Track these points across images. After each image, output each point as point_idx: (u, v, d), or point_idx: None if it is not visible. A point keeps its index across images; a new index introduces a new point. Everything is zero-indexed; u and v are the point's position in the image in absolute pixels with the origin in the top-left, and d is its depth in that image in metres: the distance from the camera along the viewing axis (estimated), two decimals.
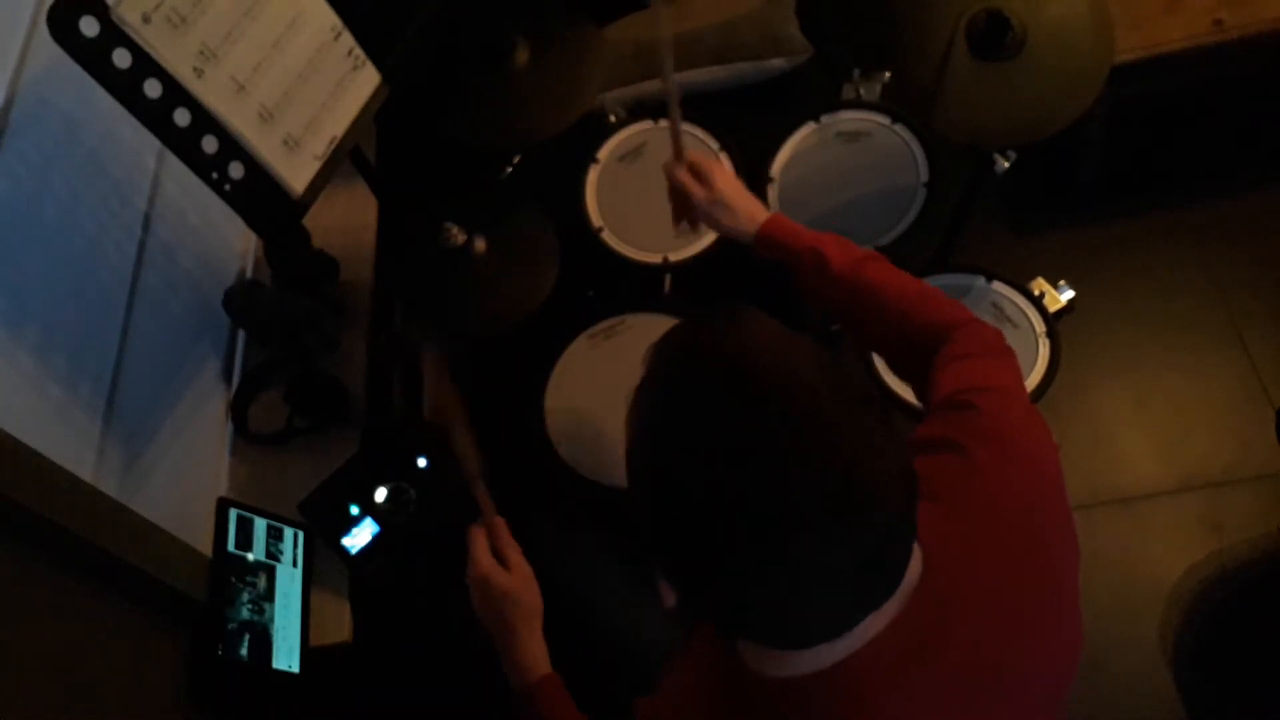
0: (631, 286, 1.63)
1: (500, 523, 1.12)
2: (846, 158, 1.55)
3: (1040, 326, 1.49)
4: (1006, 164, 1.52)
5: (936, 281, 1.54)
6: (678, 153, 1.24)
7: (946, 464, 0.84)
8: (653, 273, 1.55)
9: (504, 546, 1.10)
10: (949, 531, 0.79)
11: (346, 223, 1.64)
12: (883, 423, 0.66)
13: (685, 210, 1.25)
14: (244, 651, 1.20)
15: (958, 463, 0.84)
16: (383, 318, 1.62)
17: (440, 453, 1.40)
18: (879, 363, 1.49)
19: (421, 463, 1.39)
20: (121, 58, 1.06)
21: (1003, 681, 0.78)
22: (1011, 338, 1.48)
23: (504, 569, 1.08)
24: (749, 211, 1.18)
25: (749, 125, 1.63)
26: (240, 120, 1.18)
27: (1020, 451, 0.86)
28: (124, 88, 1.07)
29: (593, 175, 1.61)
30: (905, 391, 1.46)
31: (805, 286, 1.13)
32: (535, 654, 1.07)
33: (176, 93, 1.11)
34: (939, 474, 0.83)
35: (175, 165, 1.18)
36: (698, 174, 1.22)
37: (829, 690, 0.73)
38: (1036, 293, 1.53)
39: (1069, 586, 0.84)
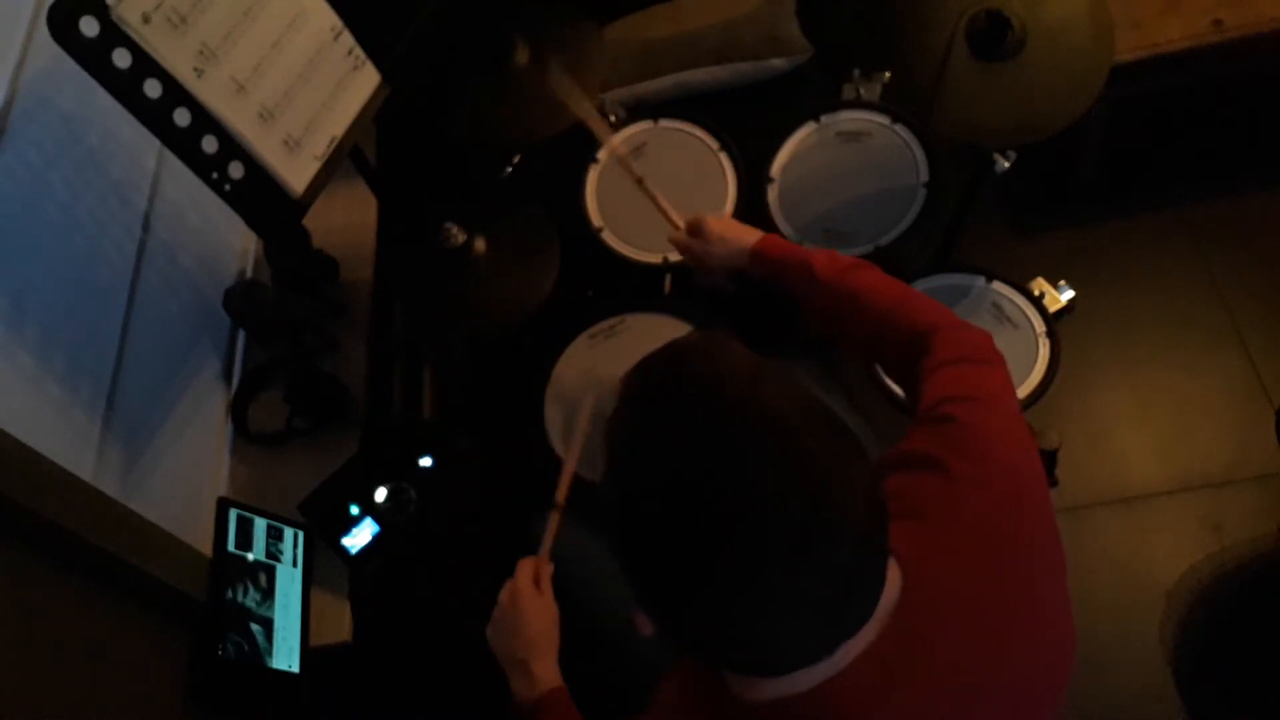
0: (631, 286, 1.63)
1: (547, 564, 1.17)
2: (846, 158, 1.55)
3: (1040, 326, 1.49)
4: (1006, 164, 1.52)
5: (936, 281, 1.54)
6: (671, 223, 1.34)
7: (926, 480, 0.84)
8: (653, 273, 1.54)
9: (544, 580, 1.15)
10: (929, 549, 0.79)
11: (346, 223, 1.64)
12: (853, 451, 0.67)
13: (700, 267, 1.31)
14: (244, 651, 1.20)
15: (937, 479, 0.84)
16: (383, 318, 1.62)
17: (441, 452, 1.40)
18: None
19: (422, 463, 1.39)
20: (121, 58, 1.06)
21: (988, 696, 0.78)
22: (1011, 338, 1.49)
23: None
24: (740, 239, 1.23)
25: (749, 125, 1.62)
26: (240, 120, 1.18)
27: (999, 463, 0.86)
28: (124, 88, 1.07)
29: (593, 175, 1.61)
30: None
31: (796, 297, 1.16)
32: (548, 669, 1.09)
33: (176, 93, 1.11)
34: (919, 491, 0.84)
35: (175, 165, 1.18)
36: (692, 229, 1.28)
37: (811, 713, 0.73)
38: (1036, 293, 1.52)
39: (1055, 597, 0.84)
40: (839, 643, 0.70)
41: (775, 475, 0.63)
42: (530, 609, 1.11)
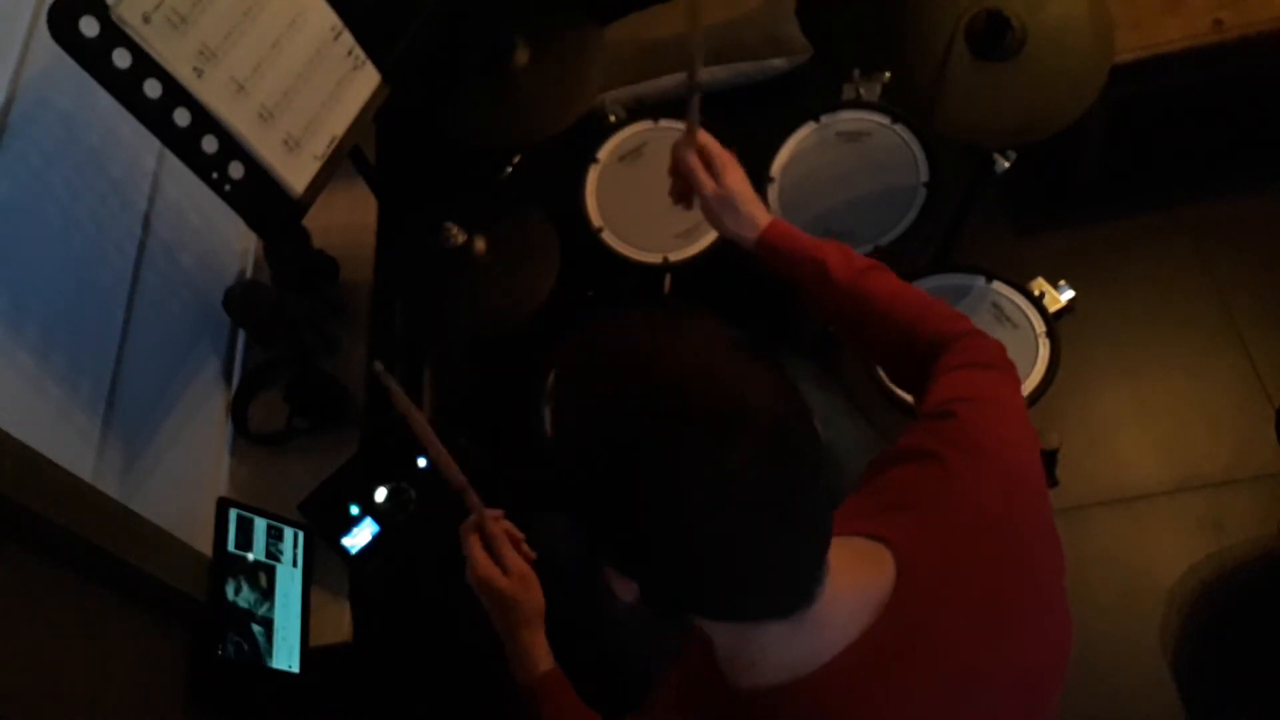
0: (631, 286, 1.63)
1: (495, 524, 1.09)
2: (846, 158, 1.55)
3: (1040, 326, 1.49)
4: (1006, 164, 1.52)
5: (936, 281, 1.54)
6: (690, 131, 1.15)
7: (922, 472, 0.84)
8: (653, 273, 1.54)
9: (499, 546, 1.08)
10: (924, 539, 0.79)
11: (346, 223, 1.64)
12: (752, 356, 0.68)
13: (685, 193, 1.19)
14: (244, 651, 1.20)
15: (933, 470, 0.84)
16: (383, 318, 1.62)
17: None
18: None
19: (422, 463, 1.39)
20: (121, 58, 1.06)
21: (981, 690, 0.78)
22: (1011, 338, 1.49)
23: (501, 571, 1.07)
24: (752, 216, 1.14)
25: (749, 125, 1.62)
26: (240, 120, 1.18)
27: (998, 460, 0.86)
28: (124, 88, 1.07)
29: (593, 175, 1.61)
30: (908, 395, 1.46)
31: (806, 295, 1.12)
32: (537, 653, 1.06)
33: (176, 93, 1.11)
34: (915, 482, 0.84)
35: (175, 165, 1.19)
36: (709, 163, 1.15)
37: (802, 700, 0.73)
38: (1036, 293, 1.52)
39: (1052, 594, 0.84)
40: (795, 586, 0.69)
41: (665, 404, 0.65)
42: (501, 588, 1.05)
